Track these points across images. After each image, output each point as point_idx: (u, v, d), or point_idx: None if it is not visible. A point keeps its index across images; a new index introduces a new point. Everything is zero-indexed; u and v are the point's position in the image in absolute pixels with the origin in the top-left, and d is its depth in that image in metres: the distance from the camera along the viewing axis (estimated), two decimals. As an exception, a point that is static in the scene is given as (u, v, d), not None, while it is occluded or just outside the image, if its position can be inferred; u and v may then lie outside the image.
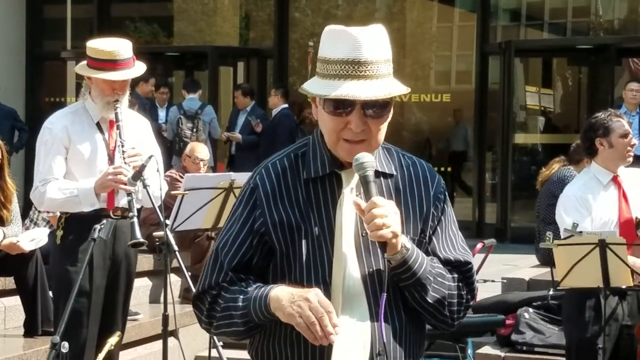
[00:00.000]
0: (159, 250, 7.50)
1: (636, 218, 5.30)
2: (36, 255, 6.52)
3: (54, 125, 5.25)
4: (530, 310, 7.30)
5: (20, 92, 15.22)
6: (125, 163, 5.10)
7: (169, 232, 5.18)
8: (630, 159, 5.39)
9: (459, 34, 16.08)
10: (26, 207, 7.57)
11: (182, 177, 7.59)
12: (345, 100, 2.46)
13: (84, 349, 5.14)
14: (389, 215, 2.43)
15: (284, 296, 2.44)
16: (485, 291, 7.80)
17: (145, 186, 5.04)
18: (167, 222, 5.36)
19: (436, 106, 15.14)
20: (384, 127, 2.54)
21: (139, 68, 5.30)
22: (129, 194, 5.05)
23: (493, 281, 7.78)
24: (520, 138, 14.10)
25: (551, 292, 7.22)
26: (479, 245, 7.38)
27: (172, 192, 6.28)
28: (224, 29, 16.39)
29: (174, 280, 7.70)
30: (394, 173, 2.63)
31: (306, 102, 2.62)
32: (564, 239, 5.19)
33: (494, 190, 13.96)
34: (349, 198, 2.54)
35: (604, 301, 5.13)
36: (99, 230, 4.78)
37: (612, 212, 5.29)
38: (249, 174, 2.70)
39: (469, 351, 6.55)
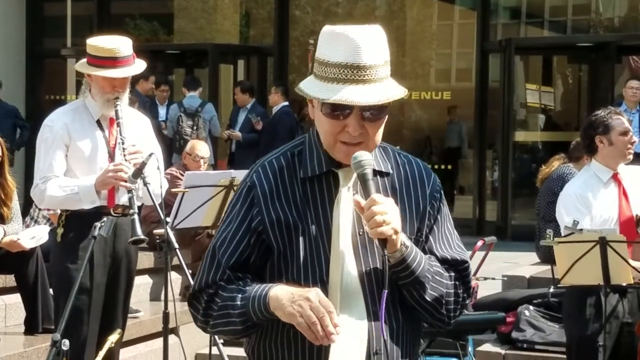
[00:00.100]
0: (160, 248, 7.51)
1: (636, 216, 5.30)
2: (37, 253, 6.52)
3: (55, 123, 5.24)
4: (531, 307, 7.30)
5: (21, 90, 15.22)
6: (125, 160, 5.10)
7: (169, 230, 5.18)
8: (631, 157, 5.39)
9: (459, 31, 16.07)
10: (27, 204, 7.57)
11: (182, 175, 7.59)
12: (343, 104, 2.46)
13: (84, 346, 5.14)
14: (388, 212, 2.43)
15: (283, 295, 2.43)
16: (486, 289, 7.80)
17: (145, 184, 5.04)
18: (168, 219, 5.37)
19: (436, 104, 15.14)
20: (381, 129, 2.55)
21: (139, 65, 5.30)
22: (129, 191, 5.04)
23: (493, 279, 7.79)
24: (520, 136, 14.10)
25: (552, 290, 7.22)
26: (480, 243, 7.38)
27: (173, 190, 6.28)
28: (224, 26, 16.39)
29: (175, 277, 7.71)
30: (390, 172, 2.63)
31: (306, 100, 2.61)
32: (565, 236, 5.19)
33: (495, 188, 13.96)
34: (346, 196, 2.54)
35: (604, 299, 5.13)
36: (100, 228, 4.78)
37: (613, 209, 5.29)
38: None
39: (470, 349, 6.55)
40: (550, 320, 7.19)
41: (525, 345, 7.15)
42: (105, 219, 4.88)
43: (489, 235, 8.43)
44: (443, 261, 2.63)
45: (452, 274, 2.64)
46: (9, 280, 6.86)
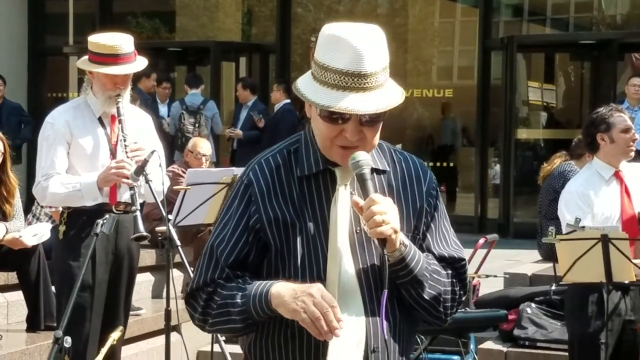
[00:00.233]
0: (162, 245, 7.53)
1: (639, 213, 5.29)
2: (39, 250, 6.52)
3: (56, 120, 5.24)
4: (533, 305, 7.30)
5: (23, 87, 15.23)
6: (127, 157, 5.10)
7: (171, 227, 5.18)
8: (632, 154, 5.39)
9: (461, 29, 16.07)
10: (29, 202, 7.58)
11: (184, 173, 7.59)
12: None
13: (86, 343, 5.14)
14: (388, 211, 2.43)
15: (286, 292, 2.43)
16: (488, 286, 7.80)
17: (147, 181, 5.04)
18: (170, 217, 5.36)
19: (438, 101, 15.14)
20: (378, 133, 2.54)
21: (141, 62, 5.30)
22: (131, 188, 5.05)
23: (495, 276, 7.78)
24: (522, 133, 14.10)
25: (554, 287, 7.21)
26: (482, 241, 7.38)
27: (175, 187, 6.28)
28: (226, 24, 16.40)
29: (177, 275, 7.70)
30: (387, 169, 2.63)
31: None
32: (567, 234, 5.18)
33: (497, 186, 13.96)
34: (344, 194, 2.54)
35: (606, 296, 5.13)
36: (102, 225, 4.78)
37: (614, 207, 5.28)
38: None
39: (472, 346, 6.56)
40: (552, 317, 7.18)
41: (527, 343, 7.15)
42: (107, 216, 4.88)
43: (491, 233, 8.44)
44: (440, 259, 2.64)
45: (449, 271, 2.64)
46: (11, 277, 6.86)
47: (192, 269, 5.59)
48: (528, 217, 12.74)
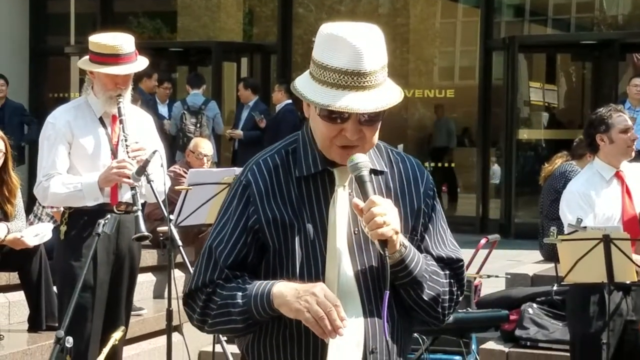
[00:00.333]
0: (163, 246, 7.54)
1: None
2: (40, 251, 6.52)
3: (57, 120, 5.24)
4: (534, 305, 7.30)
5: (24, 87, 15.23)
6: (129, 157, 5.10)
7: (173, 227, 5.18)
8: (633, 154, 5.39)
9: (462, 29, 16.07)
10: (30, 202, 7.58)
11: (186, 173, 7.60)
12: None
13: (88, 343, 5.14)
14: (388, 213, 2.43)
15: (288, 292, 2.43)
16: (489, 286, 7.80)
17: (149, 181, 5.04)
18: (171, 217, 5.36)
19: (440, 102, 15.13)
20: (377, 131, 2.54)
21: (142, 62, 5.29)
22: (132, 188, 5.05)
23: (497, 276, 7.79)
24: (524, 134, 14.09)
25: (555, 288, 7.21)
26: (483, 241, 7.39)
27: (176, 187, 6.28)
28: (227, 24, 16.40)
29: (178, 275, 7.69)
30: (385, 169, 2.63)
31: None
32: (568, 234, 5.18)
33: (498, 186, 13.96)
34: (342, 195, 2.54)
35: (608, 296, 5.13)
36: (104, 225, 4.78)
37: (616, 207, 5.28)
38: None
39: (473, 346, 6.56)
40: (554, 318, 7.18)
41: (528, 343, 7.15)
42: (109, 216, 4.87)
43: (492, 233, 8.45)
44: (438, 260, 2.64)
45: (447, 272, 2.64)
46: (13, 277, 6.86)
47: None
48: (529, 218, 12.74)
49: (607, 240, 5.00)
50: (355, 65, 2.44)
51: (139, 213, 4.91)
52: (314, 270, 2.52)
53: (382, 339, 2.53)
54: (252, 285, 2.49)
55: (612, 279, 5.07)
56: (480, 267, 7.50)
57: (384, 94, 2.48)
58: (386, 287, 2.45)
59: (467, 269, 7.23)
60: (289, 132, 2.69)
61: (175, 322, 5.25)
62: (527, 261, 9.25)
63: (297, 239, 2.53)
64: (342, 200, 2.53)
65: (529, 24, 15.58)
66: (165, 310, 5.37)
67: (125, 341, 5.57)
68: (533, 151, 14.64)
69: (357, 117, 2.47)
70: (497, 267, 8.47)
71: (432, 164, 14.48)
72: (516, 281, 8.12)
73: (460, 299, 2.70)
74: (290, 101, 12.24)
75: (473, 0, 15.35)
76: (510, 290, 7.84)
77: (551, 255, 7.36)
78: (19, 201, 6.50)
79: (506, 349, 7.19)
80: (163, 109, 12.74)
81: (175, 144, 12.00)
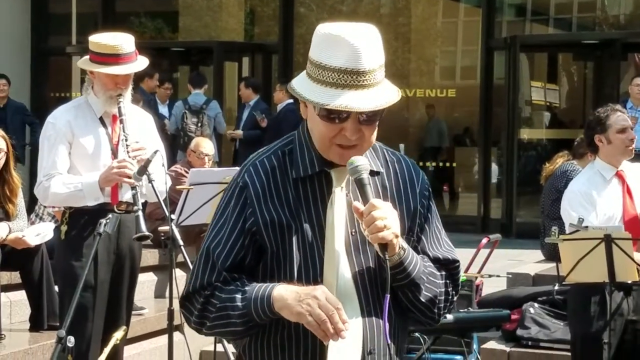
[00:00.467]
0: (164, 245, 7.53)
1: (641, 213, 5.30)
2: (42, 250, 6.53)
3: (57, 120, 5.24)
4: (536, 305, 7.30)
5: (26, 87, 15.25)
6: (129, 157, 5.10)
7: (174, 227, 5.18)
8: (632, 153, 5.39)
9: (464, 29, 16.06)
10: (31, 202, 7.58)
11: (187, 172, 7.60)
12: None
13: (89, 343, 5.14)
14: (388, 216, 2.43)
15: (289, 295, 2.42)
16: (491, 286, 7.80)
17: (150, 181, 5.04)
18: (173, 216, 5.36)
19: (441, 101, 15.13)
20: (375, 131, 2.54)
21: (142, 62, 5.29)
22: (133, 187, 5.05)
23: (498, 276, 7.78)
24: (525, 133, 14.09)
25: (556, 287, 7.21)
26: (484, 240, 7.39)
27: (178, 187, 6.28)
28: (229, 24, 16.40)
29: (180, 275, 7.65)
30: (381, 170, 2.62)
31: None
32: (570, 233, 5.18)
33: (499, 185, 13.95)
34: (340, 196, 2.53)
35: (609, 296, 5.13)
36: (105, 225, 4.78)
37: (617, 207, 5.28)
38: None
39: (475, 346, 6.55)
40: (555, 317, 7.18)
41: (530, 343, 7.14)
42: (110, 215, 4.87)
43: (493, 233, 8.45)
44: (435, 260, 2.64)
45: (443, 272, 2.65)
46: (14, 277, 6.86)
47: (195, 268, 5.61)
48: (531, 217, 12.74)
49: (608, 240, 5.00)
50: (354, 64, 2.43)
51: (140, 213, 4.91)
52: (312, 271, 2.51)
53: (380, 340, 2.53)
54: (252, 288, 2.47)
55: (614, 279, 5.06)
56: (481, 266, 7.50)
57: (382, 93, 2.47)
58: (387, 291, 2.44)
59: (468, 269, 7.26)
60: (290, 132, 2.67)
61: (176, 322, 5.26)
62: (528, 261, 9.25)
63: (294, 240, 2.52)
64: (340, 202, 2.52)
65: (531, 23, 15.58)
66: (166, 310, 5.37)
67: (126, 341, 5.57)
68: (534, 151, 14.64)
69: (357, 116, 2.46)
70: (498, 267, 8.47)
71: (434, 164, 14.49)
72: (517, 281, 8.12)
73: (455, 299, 2.71)
74: (291, 101, 12.23)
75: (474, 0, 15.35)
76: (511, 290, 7.84)
77: (552, 254, 7.36)
78: (21, 200, 6.51)
79: (507, 349, 7.19)
80: (163, 109, 12.74)
81: (176, 144, 12.00)
